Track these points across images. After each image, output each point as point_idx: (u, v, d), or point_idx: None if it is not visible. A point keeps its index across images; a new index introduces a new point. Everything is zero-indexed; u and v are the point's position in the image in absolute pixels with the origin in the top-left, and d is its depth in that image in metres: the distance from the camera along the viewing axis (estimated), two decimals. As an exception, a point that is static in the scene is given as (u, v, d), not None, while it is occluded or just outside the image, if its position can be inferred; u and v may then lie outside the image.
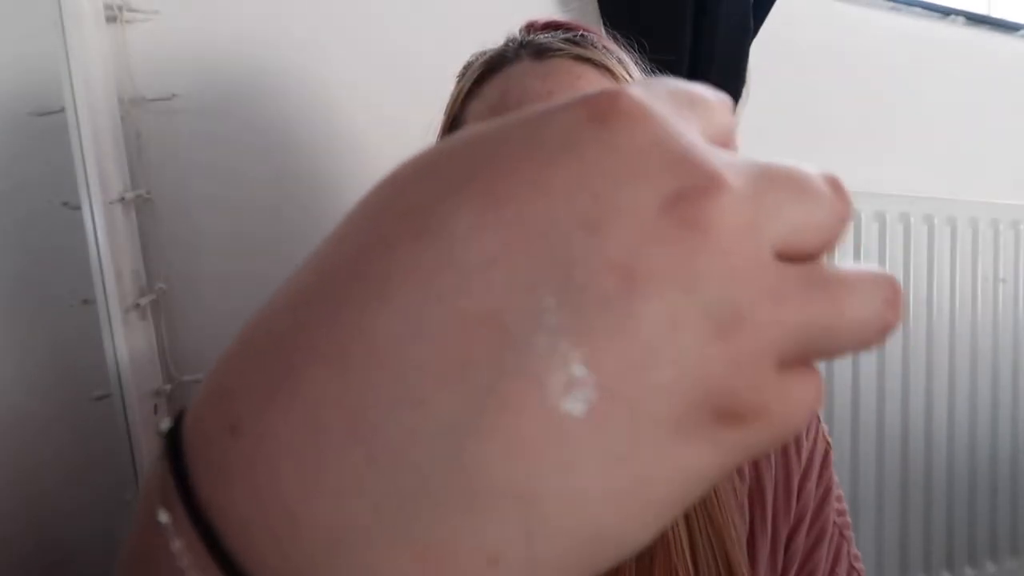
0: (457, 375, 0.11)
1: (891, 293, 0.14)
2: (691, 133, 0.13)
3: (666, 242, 0.12)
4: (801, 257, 0.14)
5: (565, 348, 0.11)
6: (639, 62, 0.56)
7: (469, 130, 0.14)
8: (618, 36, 0.57)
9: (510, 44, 0.54)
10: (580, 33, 0.54)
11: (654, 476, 0.12)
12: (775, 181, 0.14)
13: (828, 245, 0.14)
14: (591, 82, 0.51)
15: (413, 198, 0.13)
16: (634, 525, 0.12)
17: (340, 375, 0.12)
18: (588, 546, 0.12)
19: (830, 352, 0.14)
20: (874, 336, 0.14)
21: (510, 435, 0.11)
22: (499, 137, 0.13)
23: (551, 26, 0.56)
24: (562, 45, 0.52)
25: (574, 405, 0.11)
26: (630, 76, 0.53)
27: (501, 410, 0.11)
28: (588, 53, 0.52)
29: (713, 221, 0.12)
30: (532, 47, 0.52)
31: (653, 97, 0.14)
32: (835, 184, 0.15)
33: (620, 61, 0.53)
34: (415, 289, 0.12)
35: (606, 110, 0.13)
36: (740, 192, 0.13)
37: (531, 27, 0.57)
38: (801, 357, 0.13)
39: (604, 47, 0.53)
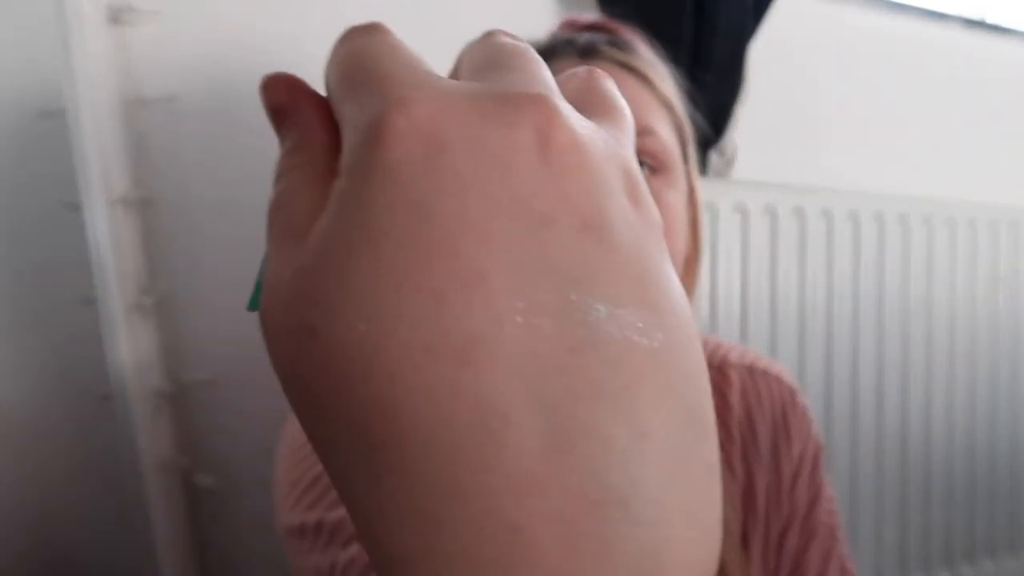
0: (607, 404, 0.12)
1: (590, 70, 0.18)
2: (466, 87, 0.14)
3: (570, 176, 0.13)
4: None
5: (624, 314, 0.13)
6: (674, 74, 0.56)
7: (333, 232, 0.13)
8: (657, 45, 0.57)
9: (556, 39, 0.54)
10: (623, 38, 0.54)
11: (690, 316, 0.15)
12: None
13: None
14: (631, 91, 0.51)
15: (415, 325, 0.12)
16: (703, 356, 0.15)
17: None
18: (710, 396, 0.15)
19: None
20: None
21: (667, 396, 0.13)
22: (387, 221, 0.13)
23: (593, 27, 0.57)
24: (606, 48, 0.53)
25: (656, 338, 0.13)
26: (666, 91, 0.53)
27: (646, 393, 0.13)
28: (631, 60, 0.52)
29: (574, 131, 0.14)
30: (577, 45, 0.53)
31: (426, 87, 0.14)
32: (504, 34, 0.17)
33: (658, 74, 0.54)
34: (515, 393, 0.12)
35: (427, 130, 0.13)
36: (556, 94, 0.14)
37: (572, 25, 0.58)
38: None
39: (646, 57, 0.54)
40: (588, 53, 0.52)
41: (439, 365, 0.12)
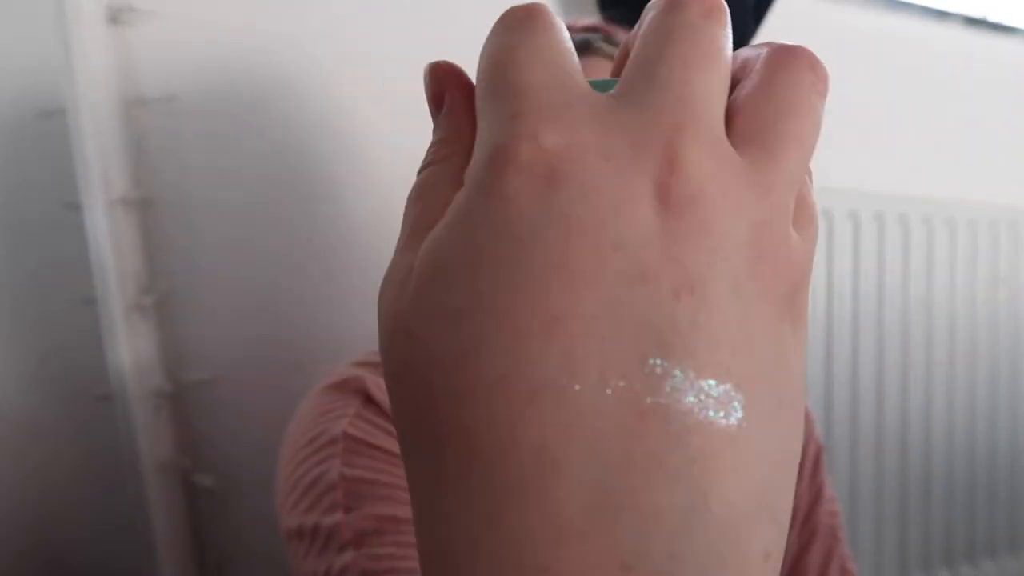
0: (663, 475, 0.12)
1: (792, 49, 0.15)
2: (618, 129, 0.13)
3: (683, 233, 0.13)
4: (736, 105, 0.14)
5: (703, 387, 0.12)
6: None
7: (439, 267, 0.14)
8: None
9: None
10: (617, 38, 0.56)
11: (795, 394, 0.14)
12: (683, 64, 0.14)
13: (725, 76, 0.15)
14: None
15: (490, 366, 0.13)
16: (799, 438, 0.15)
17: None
18: (791, 479, 0.14)
19: None
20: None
21: (734, 476, 0.13)
22: (491, 253, 0.13)
23: (589, 29, 0.59)
24: (601, 45, 0.55)
25: (733, 416, 0.13)
26: None
27: (711, 470, 0.12)
28: None
29: (698, 185, 0.13)
30: (573, 43, 0.54)
31: (553, 110, 0.13)
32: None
33: None
34: (571, 442, 0.12)
35: (546, 166, 0.13)
36: (699, 125, 0.13)
37: (570, 28, 0.59)
38: None
39: None
40: (583, 50, 0.54)
41: (507, 399, 0.12)
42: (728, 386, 0.12)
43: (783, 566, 0.56)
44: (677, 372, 0.12)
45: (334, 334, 0.75)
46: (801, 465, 0.58)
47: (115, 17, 0.66)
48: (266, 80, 0.74)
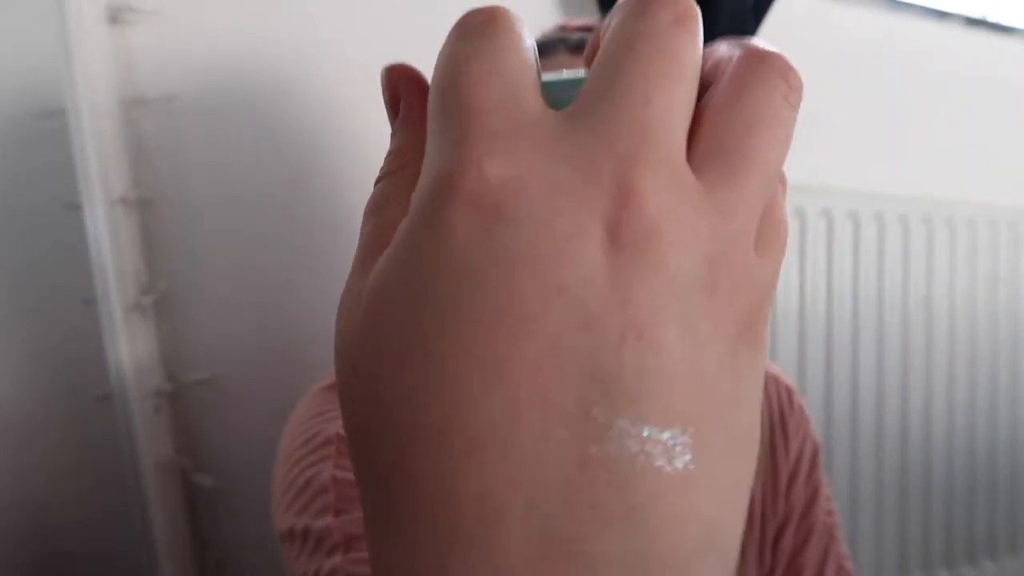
0: (604, 523, 0.12)
1: (771, 63, 0.14)
2: (569, 166, 0.12)
3: (632, 274, 0.12)
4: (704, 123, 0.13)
5: (648, 434, 0.12)
6: None
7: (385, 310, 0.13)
8: None
9: (547, 38, 0.56)
10: None
11: (748, 426, 0.14)
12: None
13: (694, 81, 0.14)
14: None
15: (429, 414, 0.12)
16: (751, 468, 0.14)
17: None
18: (740, 515, 0.14)
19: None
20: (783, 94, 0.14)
21: (679, 520, 0.12)
22: (424, 292, 0.12)
23: (585, 28, 0.58)
24: None
25: (679, 460, 0.12)
26: None
27: (656, 516, 0.12)
28: None
29: (652, 219, 0.12)
30: (569, 42, 0.56)
31: (499, 142, 0.13)
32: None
33: None
34: (514, 493, 0.12)
35: (491, 199, 0.12)
36: (652, 150, 0.12)
37: (565, 28, 0.60)
38: None
39: None
40: (579, 48, 0.54)
41: (449, 448, 0.12)
42: (675, 431, 0.12)
43: (780, 565, 0.56)
44: (621, 421, 0.12)
45: (333, 334, 0.75)
46: (798, 464, 0.58)
47: (115, 17, 0.66)
48: (266, 80, 0.74)
